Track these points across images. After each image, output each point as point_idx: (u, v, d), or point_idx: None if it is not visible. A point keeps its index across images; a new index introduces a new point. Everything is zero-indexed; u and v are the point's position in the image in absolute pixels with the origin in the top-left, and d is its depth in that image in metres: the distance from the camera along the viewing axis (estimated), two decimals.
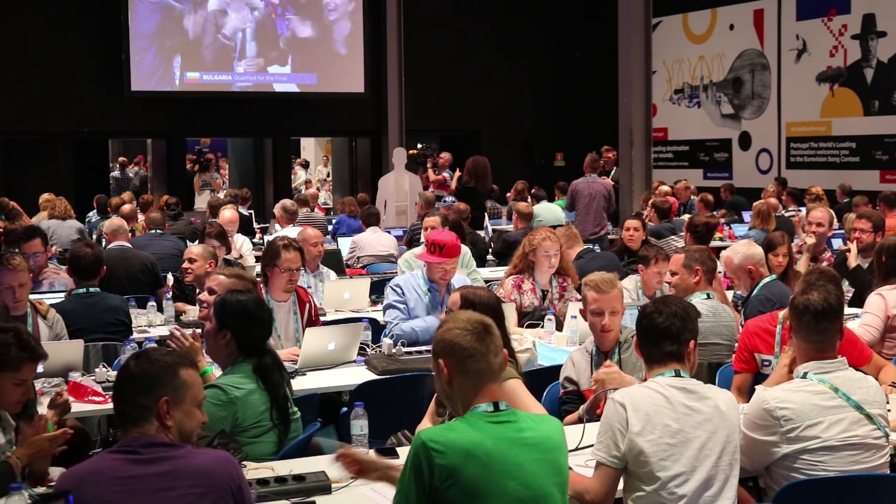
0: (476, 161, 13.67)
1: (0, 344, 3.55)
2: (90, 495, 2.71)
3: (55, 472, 3.88)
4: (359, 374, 5.15)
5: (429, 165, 14.65)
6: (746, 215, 12.72)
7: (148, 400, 2.83)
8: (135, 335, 5.78)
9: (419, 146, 15.55)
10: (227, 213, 9.53)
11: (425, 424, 3.91)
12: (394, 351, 5.44)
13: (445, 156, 14.74)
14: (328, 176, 22.53)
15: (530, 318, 6.32)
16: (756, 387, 4.01)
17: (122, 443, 2.82)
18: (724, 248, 8.42)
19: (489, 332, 2.95)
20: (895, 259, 5.66)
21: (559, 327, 6.06)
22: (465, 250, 7.63)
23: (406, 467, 2.86)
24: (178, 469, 2.77)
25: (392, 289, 6.02)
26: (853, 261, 6.96)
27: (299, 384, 4.88)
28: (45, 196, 12.43)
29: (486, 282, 7.50)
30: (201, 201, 17.52)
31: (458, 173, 14.11)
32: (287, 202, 11.18)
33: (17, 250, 6.34)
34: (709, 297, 5.42)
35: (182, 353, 3.58)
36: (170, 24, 17.07)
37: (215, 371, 4.19)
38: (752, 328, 4.74)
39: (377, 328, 6.16)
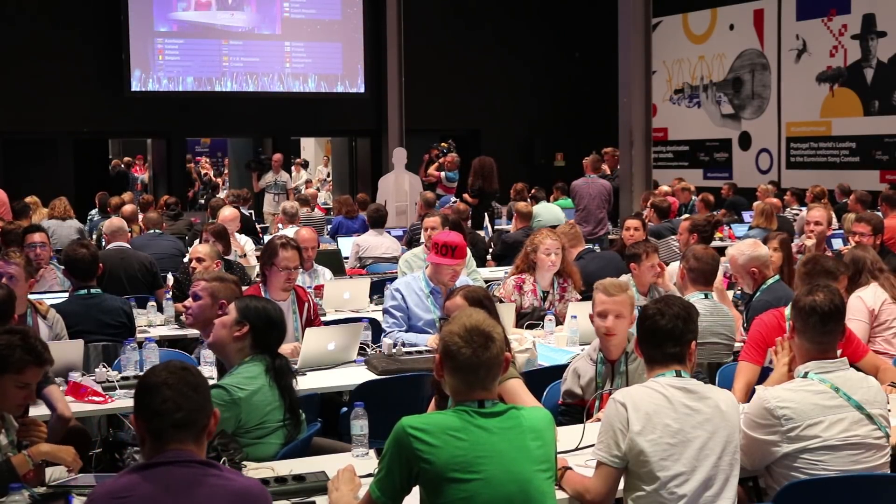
0: (482, 161, 13.62)
1: (5, 345, 3.52)
2: None
3: (54, 472, 3.88)
4: (359, 374, 5.14)
5: (437, 161, 14.68)
6: (746, 215, 12.72)
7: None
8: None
9: (449, 141, 15.47)
10: (228, 212, 9.51)
11: None
12: (394, 351, 5.44)
13: (451, 158, 14.72)
14: (328, 176, 22.51)
15: (530, 318, 6.31)
16: (756, 386, 4.01)
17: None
18: (725, 247, 8.43)
19: (487, 347, 2.97)
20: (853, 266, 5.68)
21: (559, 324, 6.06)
22: None
23: (386, 452, 2.95)
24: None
25: (392, 293, 5.98)
26: None
27: (299, 384, 4.87)
28: (28, 200, 11.92)
29: (486, 282, 7.50)
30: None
31: (471, 182, 13.66)
32: (286, 204, 11.18)
33: (16, 250, 6.33)
34: (707, 296, 5.42)
35: None
36: (170, 24, 17.08)
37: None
38: (768, 321, 4.66)
39: (377, 328, 6.14)
